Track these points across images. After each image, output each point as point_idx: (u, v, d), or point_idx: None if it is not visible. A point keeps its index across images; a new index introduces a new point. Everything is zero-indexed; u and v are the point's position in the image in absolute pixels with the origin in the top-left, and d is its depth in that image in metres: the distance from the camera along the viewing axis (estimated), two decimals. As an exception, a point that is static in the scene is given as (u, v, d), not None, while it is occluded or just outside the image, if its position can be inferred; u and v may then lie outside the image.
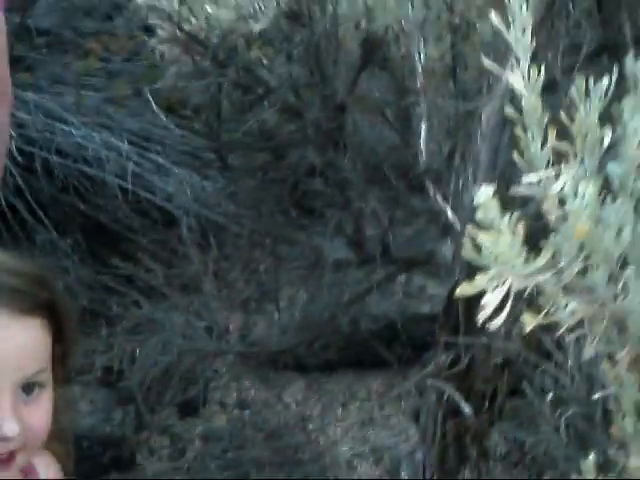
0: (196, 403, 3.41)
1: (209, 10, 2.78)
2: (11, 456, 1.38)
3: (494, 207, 1.06)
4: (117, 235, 3.59)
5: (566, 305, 1.12)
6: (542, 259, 1.07)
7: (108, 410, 3.19)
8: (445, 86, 2.76)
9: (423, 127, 2.77)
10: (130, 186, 3.47)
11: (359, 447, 3.35)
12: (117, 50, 3.87)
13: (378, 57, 2.80)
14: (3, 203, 3.33)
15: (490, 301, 1.07)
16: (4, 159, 2.28)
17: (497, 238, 1.05)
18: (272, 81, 2.77)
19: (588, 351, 1.16)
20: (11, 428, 1.35)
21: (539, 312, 1.12)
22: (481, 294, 1.08)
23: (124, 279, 3.53)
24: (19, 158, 3.39)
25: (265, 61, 2.90)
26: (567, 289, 1.11)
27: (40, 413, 1.39)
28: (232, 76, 2.78)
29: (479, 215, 1.06)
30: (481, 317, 1.08)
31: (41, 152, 3.49)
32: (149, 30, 3.20)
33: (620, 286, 1.13)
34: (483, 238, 1.05)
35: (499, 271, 1.07)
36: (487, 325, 1.09)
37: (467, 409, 2.31)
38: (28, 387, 1.37)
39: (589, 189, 1.09)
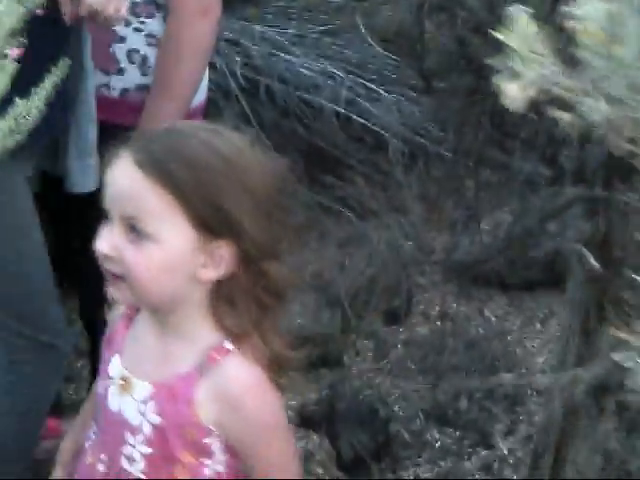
0: (399, 313, 3.66)
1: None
2: (118, 278, 1.61)
3: None
4: (332, 158, 3.88)
5: None
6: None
7: (317, 312, 3.50)
8: None
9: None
10: (344, 111, 3.75)
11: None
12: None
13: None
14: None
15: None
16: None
17: None
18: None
19: None
20: (98, 244, 1.60)
21: None
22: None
23: (338, 199, 3.83)
24: (245, 85, 3.73)
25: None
26: None
27: (139, 256, 1.58)
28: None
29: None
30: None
31: (265, 79, 3.82)
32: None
33: None
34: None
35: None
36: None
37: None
38: (133, 229, 1.57)
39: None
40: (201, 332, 1.65)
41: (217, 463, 1.68)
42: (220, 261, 1.60)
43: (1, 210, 2.24)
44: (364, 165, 3.82)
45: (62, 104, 2.27)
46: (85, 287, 2.77)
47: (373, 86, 3.79)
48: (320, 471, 3.02)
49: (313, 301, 3.52)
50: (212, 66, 3.07)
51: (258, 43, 3.80)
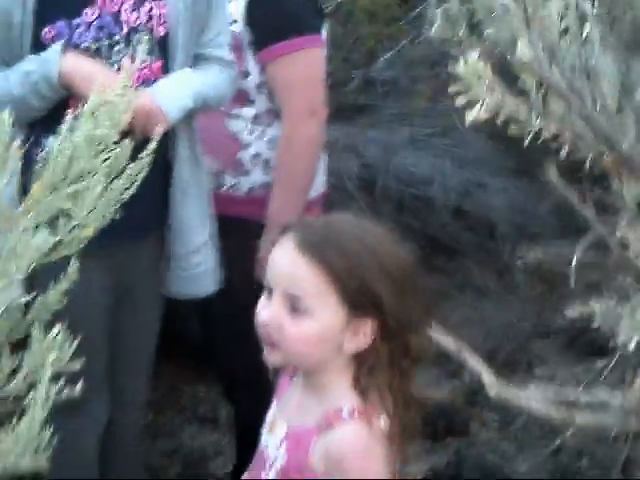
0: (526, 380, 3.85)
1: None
2: (274, 345, 1.88)
3: None
4: (447, 247, 4.21)
5: None
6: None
7: (439, 384, 3.76)
8: None
9: None
10: (453, 202, 4.10)
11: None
12: (443, 91, 4.50)
13: None
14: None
15: None
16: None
17: None
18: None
19: None
20: (261, 315, 1.89)
21: None
22: None
23: (456, 284, 4.12)
24: (361, 184, 4.10)
25: None
26: None
27: (297, 329, 1.86)
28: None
29: None
30: None
31: (379, 179, 4.19)
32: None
33: None
34: None
35: None
36: None
37: None
38: (293, 305, 1.85)
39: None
40: (335, 394, 1.92)
41: None
42: (363, 335, 1.88)
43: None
44: (478, 252, 4.12)
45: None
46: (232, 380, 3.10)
47: (479, 175, 4.12)
48: (450, 531, 3.24)
49: (437, 375, 3.78)
50: (332, 170, 3.42)
51: (373, 147, 4.18)
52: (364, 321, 1.88)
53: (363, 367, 1.91)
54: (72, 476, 2.75)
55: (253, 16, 2.74)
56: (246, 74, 2.78)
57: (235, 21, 2.75)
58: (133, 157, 1.87)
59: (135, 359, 2.83)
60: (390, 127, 4.38)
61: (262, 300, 1.93)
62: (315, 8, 2.89)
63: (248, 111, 2.82)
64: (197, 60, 2.63)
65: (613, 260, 1.68)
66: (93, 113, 1.84)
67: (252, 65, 2.78)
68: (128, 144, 1.97)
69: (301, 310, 1.86)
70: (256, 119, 2.82)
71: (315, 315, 1.86)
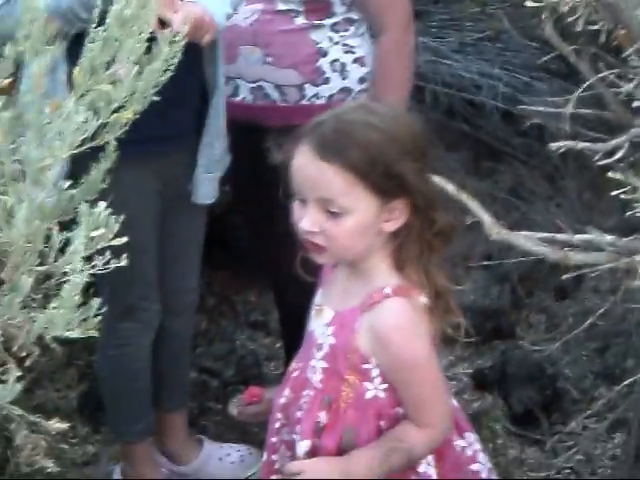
0: (569, 289, 3.88)
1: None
2: (321, 248, 1.99)
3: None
4: (496, 150, 4.20)
5: None
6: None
7: (487, 287, 3.79)
8: None
9: None
10: (502, 105, 4.08)
11: None
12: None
13: None
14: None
15: None
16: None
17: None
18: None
19: None
20: (302, 224, 1.97)
21: None
22: None
23: (505, 188, 4.13)
24: (411, 91, 4.08)
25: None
26: None
27: (338, 228, 1.96)
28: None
29: None
30: None
31: (429, 85, 4.19)
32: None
33: None
34: None
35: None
36: None
37: None
38: (328, 207, 1.94)
39: None
40: (378, 276, 2.03)
41: (377, 389, 2.03)
42: (398, 215, 1.98)
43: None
44: (527, 155, 4.11)
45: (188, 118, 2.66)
46: (279, 276, 3.15)
47: (525, 79, 4.10)
48: (495, 426, 3.29)
49: (484, 279, 3.80)
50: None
51: (422, 53, 4.16)
52: (395, 202, 1.97)
53: (398, 243, 2.01)
54: (124, 380, 2.84)
55: None
56: None
57: None
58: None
59: (185, 260, 2.89)
60: (440, 33, 4.35)
61: (296, 210, 2.00)
62: None
63: (329, 21, 2.91)
64: None
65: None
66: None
67: None
68: (166, 32, 2.01)
69: (337, 210, 1.94)
70: (334, 27, 2.92)
71: (350, 211, 1.94)
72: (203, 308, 3.61)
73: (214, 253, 3.01)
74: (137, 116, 1.93)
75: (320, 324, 2.09)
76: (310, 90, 2.94)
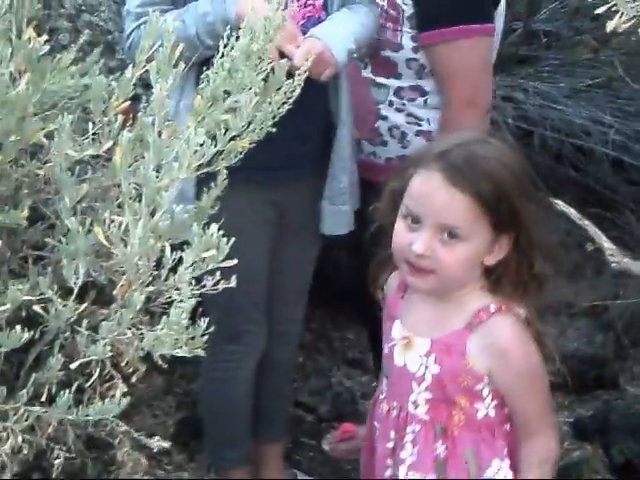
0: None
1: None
2: (426, 273, 2.01)
3: None
4: (604, 198, 4.15)
5: None
6: None
7: (591, 335, 3.72)
8: None
9: None
10: (612, 153, 4.03)
11: None
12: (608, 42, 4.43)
13: None
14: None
15: None
16: None
17: None
18: None
19: None
20: (416, 246, 1.99)
21: None
22: None
23: (611, 236, 4.06)
24: (519, 134, 4.07)
25: None
26: None
27: (451, 255, 1.99)
28: None
29: None
30: None
31: (538, 129, 4.16)
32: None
33: None
34: None
35: None
36: None
37: None
38: (448, 233, 1.97)
39: None
40: (472, 298, 2.06)
41: (487, 407, 2.06)
42: (499, 250, 2.03)
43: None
44: (635, 204, 4.05)
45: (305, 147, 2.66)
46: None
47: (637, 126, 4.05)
48: (595, 476, 3.22)
49: (588, 327, 3.75)
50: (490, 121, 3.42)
51: (532, 97, 4.14)
52: (503, 237, 2.02)
53: (493, 277, 2.05)
54: (227, 404, 2.85)
55: None
56: (399, 47, 2.75)
57: None
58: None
59: (293, 290, 2.90)
60: (551, 78, 4.32)
61: (401, 232, 2.03)
62: None
63: (393, 82, 2.80)
64: (347, 0, 2.66)
65: None
66: (251, 29, 1.90)
67: (406, 39, 2.74)
68: (284, 62, 2.05)
69: (455, 238, 1.98)
70: (399, 92, 2.81)
71: (467, 240, 1.98)
72: (301, 343, 3.63)
73: (313, 289, 3.01)
74: (252, 145, 1.98)
75: (414, 356, 2.09)
76: (367, 147, 2.87)
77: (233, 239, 1.81)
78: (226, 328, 2.69)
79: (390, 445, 2.14)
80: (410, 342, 2.10)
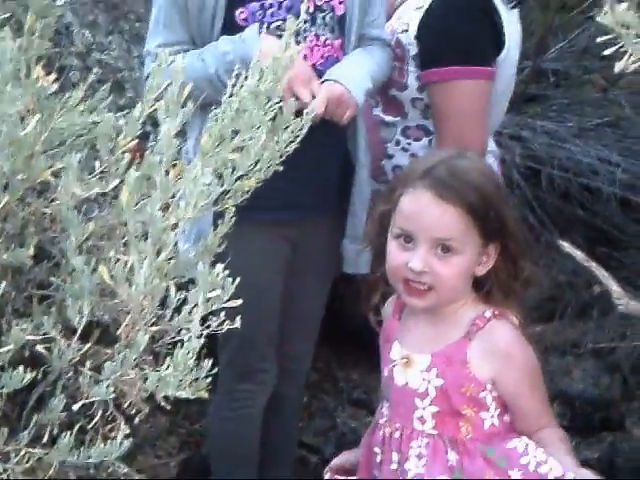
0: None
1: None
2: (424, 291, 2.04)
3: None
4: (612, 237, 4.14)
5: None
6: None
7: (597, 377, 3.70)
8: None
9: None
10: (620, 192, 4.02)
11: None
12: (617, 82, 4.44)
13: None
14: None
15: None
16: None
17: None
18: None
19: None
20: (414, 264, 2.02)
21: None
22: None
23: (621, 277, 4.04)
24: (526, 173, 4.07)
25: None
26: None
27: (448, 268, 2.03)
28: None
29: None
30: None
31: (545, 168, 4.16)
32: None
33: None
34: None
35: None
36: None
37: None
38: (442, 247, 2.02)
39: None
40: (467, 309, 2.10)
41: (492, 417, 2.08)
42: (488, 260, 2.08)
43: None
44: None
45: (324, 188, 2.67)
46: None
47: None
48: (602, 521, 3.18)
49: (594, 368, 3.72)
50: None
51: (539, 136, 4.14)
52: (491, 246, 2.07)
53: (483, 287, 2.10)
54: (235, 443, 2.82)
55: (424, 33, 2.67)
56: (405, 86, 2.75)
57: (406, 30, 2.71)
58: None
59: (304, 326, 2.89)
60: (559, 117, 4.33)
61: (395, 252, 2.06)
62: (493, 38, 2.70)
63: (400, 122, 2.80)
64: (361, 40, 2.68)
65: None
66: (260, 69, 1.90)
67: (412, 79, 2.74)
68: (292, 102, 2.05)
69: (450, 251, 2.03)
70: (405, 131, 2.80)
71: (462, 252, 2.03)
72: (306, 383, 3.60)
73: (321, 328, 2.99)
74: (260, 184, 1.98)
75: (415, 373, 2.10)
76: (373, 185, 2.82)
77: (238, 279, 1.80)
78: (239, 366, 2.68)
79: (394, 467, 2.13)
80: (410, 360, 2.11)
